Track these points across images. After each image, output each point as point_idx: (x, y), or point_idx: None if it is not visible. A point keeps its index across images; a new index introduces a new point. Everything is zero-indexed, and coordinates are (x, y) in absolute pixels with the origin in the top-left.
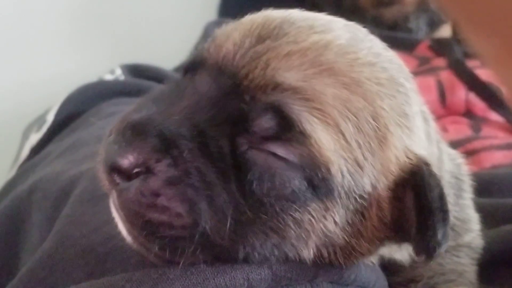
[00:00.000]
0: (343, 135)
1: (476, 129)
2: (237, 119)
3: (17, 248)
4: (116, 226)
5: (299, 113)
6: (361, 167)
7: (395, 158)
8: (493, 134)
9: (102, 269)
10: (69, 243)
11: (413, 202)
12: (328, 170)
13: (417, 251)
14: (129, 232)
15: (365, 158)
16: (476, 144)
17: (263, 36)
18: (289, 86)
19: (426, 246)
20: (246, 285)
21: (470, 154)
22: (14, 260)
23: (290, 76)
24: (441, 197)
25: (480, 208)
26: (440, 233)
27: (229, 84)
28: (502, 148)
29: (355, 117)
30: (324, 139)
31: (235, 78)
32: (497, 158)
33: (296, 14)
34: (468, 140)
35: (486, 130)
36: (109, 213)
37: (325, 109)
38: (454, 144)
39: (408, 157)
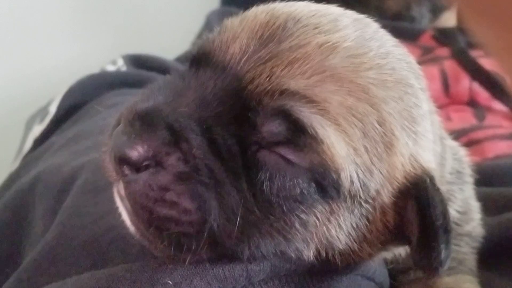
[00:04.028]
0: (352, 140)
1: (480, 118)
2: (243, 121)
3: (21, 239)
4: (118, 216)
5: (310, 117)
6: (369, 172)
7: (401, 165)
8: (497, 124)
9: (104, 259)
10: (71, 233)
11: (416, 214)
12: (338, 176)
13: (419, 266)
14: (133, 223)
15: (373, 163)
16: (480, 134)
17: (267, 37)
18: (296, 92)
19: (429, 265)
20: (245, 276)
21: (473, 143)
22: (18, 251)
23: (294, 84)
24: (445, 214)
25: (482, 197)
26: (444, 254)
27: (234, 86)
28: (506, 138)
29: (361, 122)
30: (337, 144)
31: (240, 81)
32: (500, 148)
33: (302, 9)
34: (472, 129)
35: (490, 119)
36: (110, 203)
37: (332, 115)
38: (458, 133)
39: (413, 167)
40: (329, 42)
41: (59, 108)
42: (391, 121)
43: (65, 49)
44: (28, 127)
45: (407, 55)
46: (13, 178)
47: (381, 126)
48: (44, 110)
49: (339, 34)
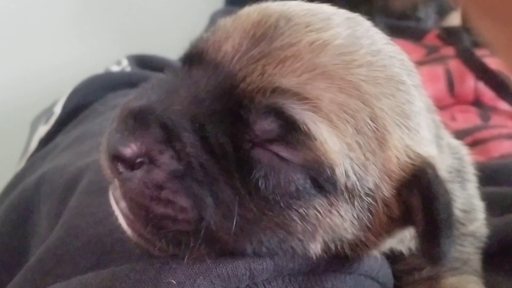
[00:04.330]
0: (345, 136)
1: (485, 118)
2: (236, 119)
3: (26, 239)
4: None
5: (302, 114)
6: (364, 167)
7: (396, 158)
8: (502, 123)
9: (108, 259)
10: (76, 234)
11: (420, 205)
12: (333, 171)
13: (424, 256)
14: (130, 225)
15: (367, 158)
16: (485, 133)
17: (259, 36)
18: (287, 89)
19: (433, 256)
20: (248, 275)
21: (478, 143)
22: (23, 251)
23: (286, 82)
24: (448, 205)
25: (487, 197)
26: (446, 245)
27: (226, 84)
28: (511, 137)
29: (353, 119)
30: (329, 140)
31: (232, 79)
32: (505, 147)
33: (294, 8)
34: (476, 129)
35: (495, 119)
36: None
37: (324, 112)
38: (463, 133)
39: (409, 157)
40: (320, 40)
41: (64, 108)
42: (384, 117)
43: (69, 50)
44: (33, 127)
45: (400, 52)
46: (18, 178)
47: (373, 122)
48: (49, 111)
49: (330, 32)
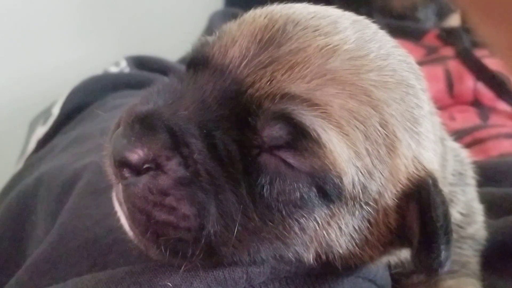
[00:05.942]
0: (354, 143)
1: (484, 118)
2: (243, 126)
3: (23, 241)
4: (118, 219)
5: (311, 121)
6: (370, 175)
7: (404, 167)
8: (501, 123)
9: (105, 261)
10: (73, 235)
11: (417, 215)
12: (340, 180)
13: (419, 268)
14: (132, 228)
15: (374, 166)
16: (484, 133)
17: (266, 41)
18: (297, 96)
19: (429, 266)
20: (245, 278)
21: (477, 142)
22: (21, 252)
23: (295, 88)
24: (446, 216)
25: (486, 199)
26: (443, 255)
27: (233, 89)
28: (510, 136)
29: (363, 125)
30: (339, 148)
31: (240, 85)
32: (504, 146)
33: (301, 11)
34: (475, 128)
35: (494, 119)
36: (112, 205)
37: (334, 118)
38: (462, 133)
39: (416, 168)
40: (329, 44)
41: (62, 109)
42: (393, 123)
43: (68, 51)
44: (32, 128)
45: (407, 55)
46: (16, 179)
47: (383, 128)
48: (47, 112)
49: (339, 36)
